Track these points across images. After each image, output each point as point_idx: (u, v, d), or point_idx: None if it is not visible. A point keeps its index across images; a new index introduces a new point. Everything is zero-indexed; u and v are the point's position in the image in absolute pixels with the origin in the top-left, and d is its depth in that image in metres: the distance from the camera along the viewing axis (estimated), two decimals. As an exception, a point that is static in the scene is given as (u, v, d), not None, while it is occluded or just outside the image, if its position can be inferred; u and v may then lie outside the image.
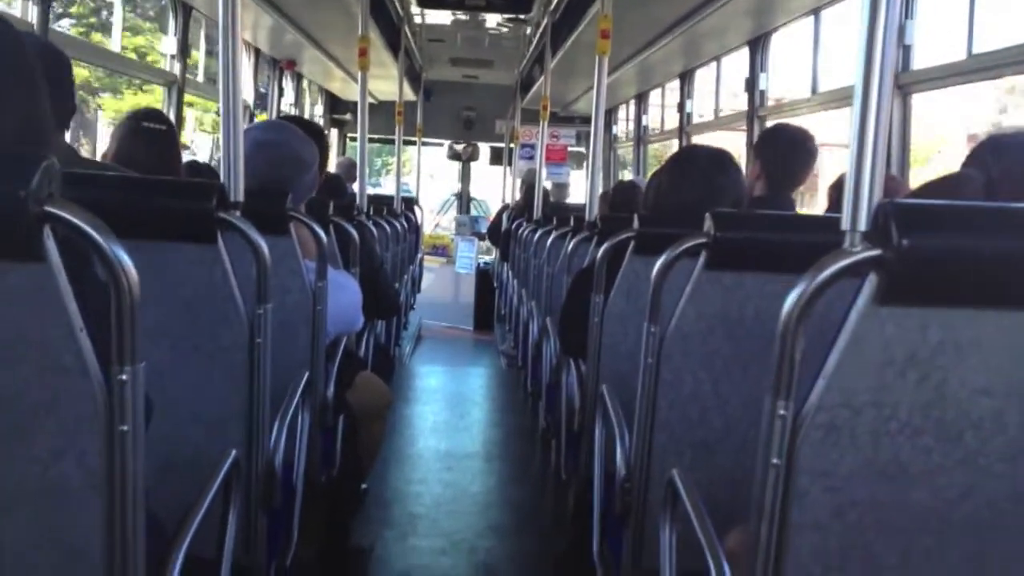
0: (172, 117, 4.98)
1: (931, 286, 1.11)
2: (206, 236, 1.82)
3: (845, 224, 1.13)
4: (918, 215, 1.11)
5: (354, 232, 3.07)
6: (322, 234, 2.39)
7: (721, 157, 2.52)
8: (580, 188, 12.29)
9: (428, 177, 14.61)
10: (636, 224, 2.42)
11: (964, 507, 1.21)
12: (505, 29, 8.10)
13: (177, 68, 5.05)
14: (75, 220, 1.08)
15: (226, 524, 1.70)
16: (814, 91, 4.79)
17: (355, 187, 5.97)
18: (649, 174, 4.92)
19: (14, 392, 1.14)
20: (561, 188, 10.06)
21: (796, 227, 1.92)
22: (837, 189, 2.94)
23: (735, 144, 5.84)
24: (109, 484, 1.17)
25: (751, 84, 5.35)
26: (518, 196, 8.76)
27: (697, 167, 2.46)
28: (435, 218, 12.75)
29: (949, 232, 1.11)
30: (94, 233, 1.09)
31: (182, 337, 1.90)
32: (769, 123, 5.14)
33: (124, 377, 1.14)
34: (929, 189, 1.92)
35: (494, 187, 13.45)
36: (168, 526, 1.49)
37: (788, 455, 1.16)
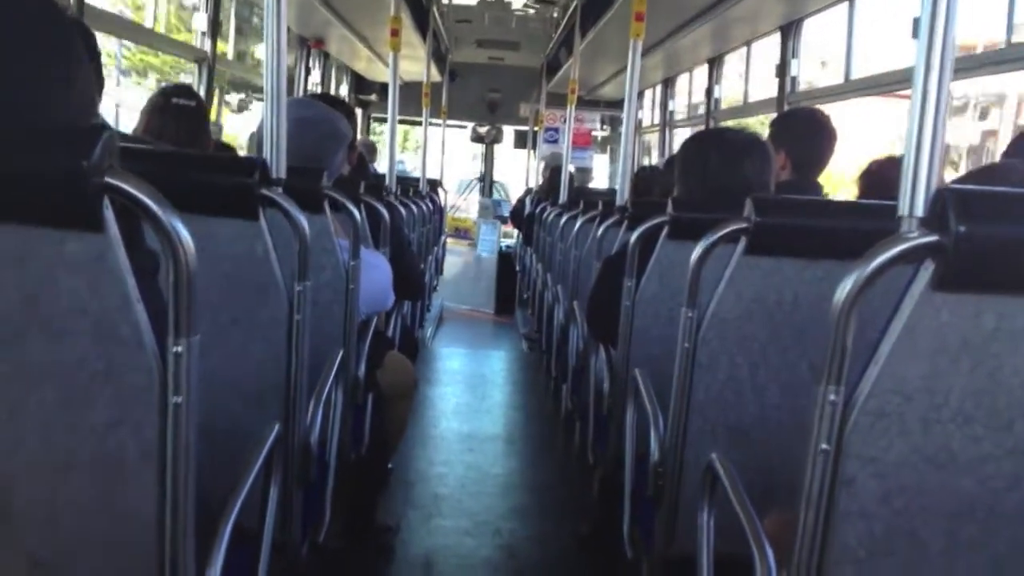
0: (202, 94, 4.99)
1: (987, 273, 1.11)
2: (249, 212, 1.84)
3: (902, 209, 1.13)
4: (976, 202, 1.11)
5: (385, 212, 3.07)
6: (357, 213, 2.40)
7: (764, 141, 2.53)
8: (601, 172, 12.28)
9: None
10: (670, 208, 2.42)
11: (1012, 497, 1.21)
12: (532, 11, 8.08)
13: (208, 45, 5.06)
14: (134, 191, 1.09)
15: (266, 498, 1.72)
16: (847, 78, 4.76)
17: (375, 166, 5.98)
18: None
19: (72, 361, 1.16)
20: (584, 172, 10.04)
21: (836, 214, 1.91)
22: (867, 176, 2.91)
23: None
24: (162, 455, 1.18)
25: (782, 70, 5.32)
26: (541, 180, 8.73)
27: (746, 149, 2.45)
28: (455, 199, 12.74)
29: (1007, 219, 1.11)
30: (153, 204, 1.10)
31: (222, 310, 1.92)
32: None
33: (179, 349, 1.15)
34: (970, 179, 1.91)
35: (516, 170, 13.42)
36: (208, 496, 1.51)
37: (837, 441, 1.16)
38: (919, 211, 1.12)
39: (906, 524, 1.21)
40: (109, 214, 1.10)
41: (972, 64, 3.53)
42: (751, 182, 2.36)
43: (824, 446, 1.16)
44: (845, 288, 1.11)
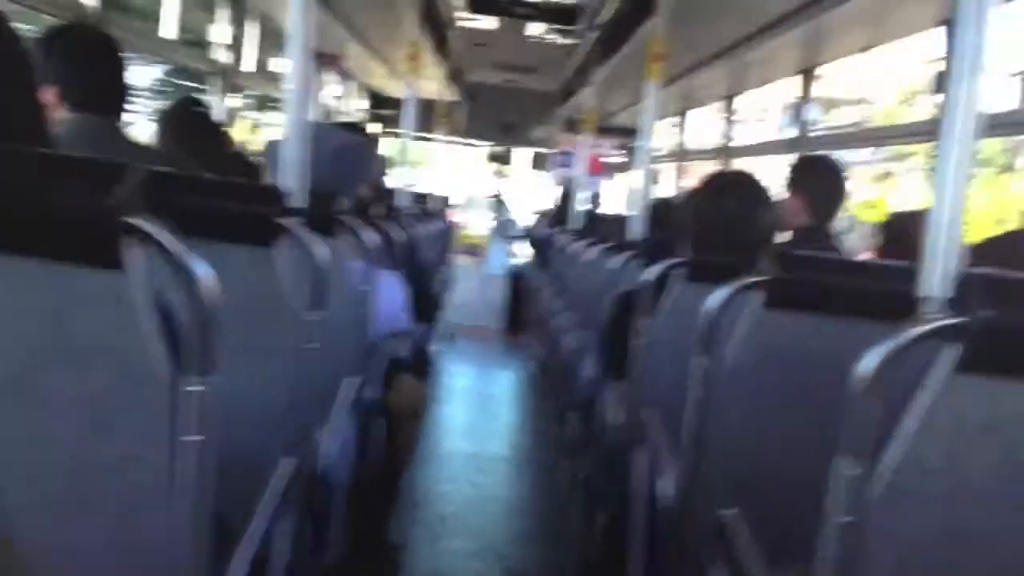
0: (222, 105, 5.01)
1: (1010, 358, 1.11)
2: (263, 240, 1.84)
3: (924, 289, 1.13)
4: (1002, 286, 1.11)
5: (398, 234, 3.08)
6: (370, 237, 2.40)
7: (757, 184, 2.56)
8: (607, 196, 12.28)
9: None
10: (689, 249, 2.42)
11: None
12: (548, 38, 8.10)
13: (228, 58, 5.08)
14: (154, 233, 1.10)
15: (275, 529, 1.72)
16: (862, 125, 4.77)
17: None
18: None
19: (90, 397, 1.17)
20: (593, 197, 10.03)
21: (857, 272, 1.92)
22: (889, 229, 2.91)
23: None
24: (180, 491, 1.19)
25: (797, 114, 5.32)
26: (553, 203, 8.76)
27: (728, 186, 2.55)
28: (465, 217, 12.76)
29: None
30: (172, 246, 1.10)
31: (232, 337, 1.90)
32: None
33: (200, 388, 1.15)
34: (993, 243, 1.90)
35: (532, 191, 13.45)
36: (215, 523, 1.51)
37: (855, 514, 1.16)
38: (942, 291, 1.12)
39: None
40: (132, 252, 1.11)
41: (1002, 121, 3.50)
42: (734, 219, 2.43)
43: (842, 519, 1.16)
44: (868, 366, 1.12)
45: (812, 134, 5.31)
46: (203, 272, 1.13)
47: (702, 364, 1.95)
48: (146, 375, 1.16)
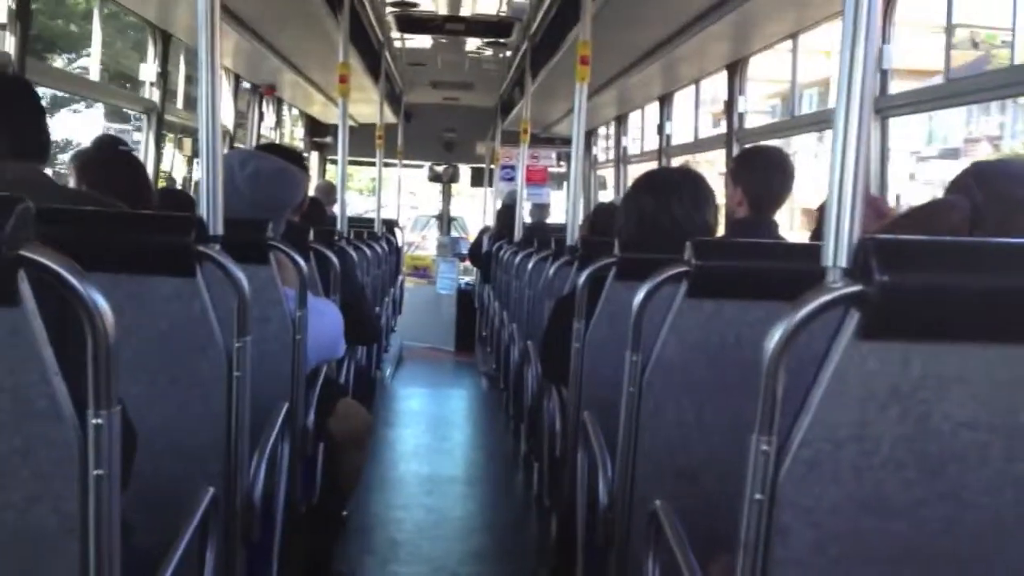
0: (152, 144, 4.96)
1: (912, 321, 1.11)
2: (184, 270, 1.81)
3: (826, 260, 1.13)
4: (898, 251, 1.11)
5: (335, 259, 3.05)
6: (302, 263, 2.37)
7: (701, 181, 2.56)
8: (560, 208, 12.33)
9: (409, 194, 14.64)
10: (617, 249, 2.42)
11: (947, 540, 1.20)
12: (485, 53, 8.12)
13: (156, 95, 5.03)
14: (50, 264, 1.07)
15: (203, 563, 1.68)
16: (792, 114, 4.81)
17: (335, 210, 5.98)
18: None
19: None
20: (541, 209, 10.06)
21: (776, 255, 1.93)
22: (823, 212, 2.92)
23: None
24: (84, 528, 1.15)
25: (729, 107, 5.36)
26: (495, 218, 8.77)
27: (673, 189, 2.51)
28: (412, 235, 12.78)
29: (929, 268, 1.12)
30: (69, 277, 1.07)
31: (160, 370, 1.88)
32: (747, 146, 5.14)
33: (99, 421, 1.12)
34: (913, 216, 1.91)
35: (474, 207, 13.48)
36: (149, 559, 1.47)
37: (771, 490, 1.16)
38: (843, 261, 1.12)
39: (843, 572, 1.20)
40: (25, 287, 1.08)
41: (895, 103, 3.57)
42: (680, 220, 2.42)
43: (758, 496, 1.16)
44: (772, 339, 1.11)
45: (741, 126, 5.34)
46: (101, 303, 1.10)
47: (632, 360, 1.95)
48: (45, 412, 1.13)
